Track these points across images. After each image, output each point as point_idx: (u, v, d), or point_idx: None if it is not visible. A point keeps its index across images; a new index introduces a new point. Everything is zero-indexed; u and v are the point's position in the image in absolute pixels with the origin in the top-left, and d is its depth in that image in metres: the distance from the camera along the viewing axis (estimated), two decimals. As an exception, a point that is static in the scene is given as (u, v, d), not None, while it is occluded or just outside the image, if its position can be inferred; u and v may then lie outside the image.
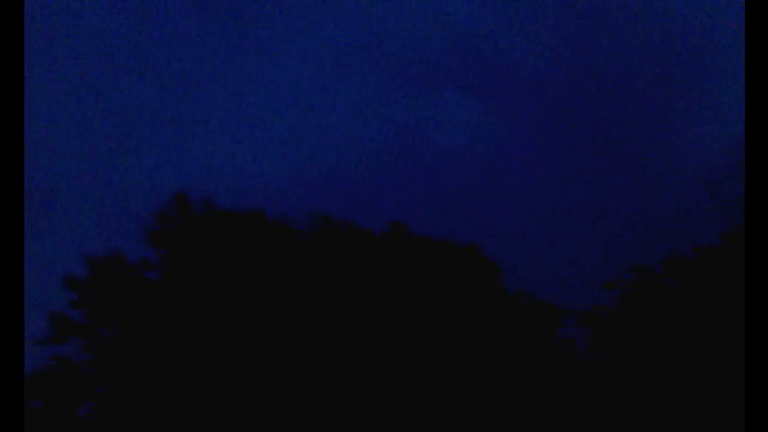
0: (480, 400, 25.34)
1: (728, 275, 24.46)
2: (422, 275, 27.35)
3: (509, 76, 66.59)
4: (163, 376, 27.78)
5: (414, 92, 68.97)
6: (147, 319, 28.62)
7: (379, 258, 27.64)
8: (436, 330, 26.10)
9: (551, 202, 53.29)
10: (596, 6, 63.08)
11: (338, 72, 69.71)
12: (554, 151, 60.64)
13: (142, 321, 28.64)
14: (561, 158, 59.72)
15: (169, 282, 28.95)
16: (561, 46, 63.20)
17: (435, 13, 67.01)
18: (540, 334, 28.28)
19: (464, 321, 26.50)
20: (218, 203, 30.16)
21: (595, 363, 27.57)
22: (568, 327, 28.94)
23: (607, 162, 56.52)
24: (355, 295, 26.47)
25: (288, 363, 25.91)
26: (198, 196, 29.82)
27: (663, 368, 24.61)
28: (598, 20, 62.68)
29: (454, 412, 25.13)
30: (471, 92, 67.69)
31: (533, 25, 63.55)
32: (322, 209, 30.82)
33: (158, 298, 28.88)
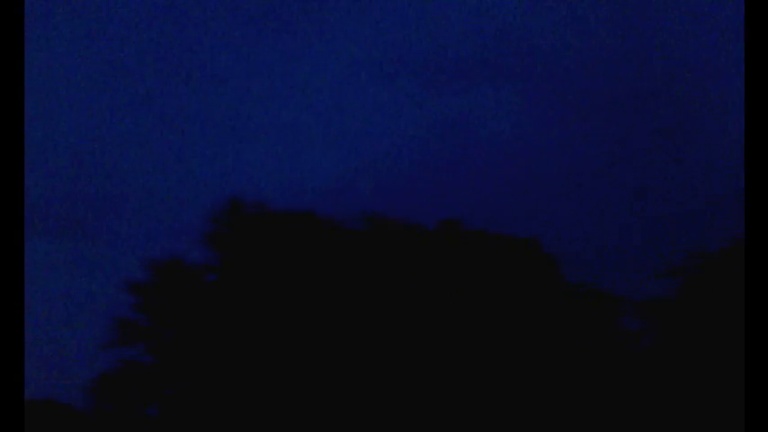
0: (543, 393, 25.25)
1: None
2: (479, 270, 27.29)
3: (551, 66, 65.77)
4: (224, 376, 28.47)
5: (456, 85, 68.74)
6: (207, 320, 29.39)
7: (433, 255, 27.72)
8: (498, 326, 26.05)
9: (602, 190, 52.48)
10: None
11: (378, 70, 70.03)
12: (599, 138, 59.68)
13: (203, 323, 29.41)
14: (608, 145, 58.76)
15: (227, 283, 29.62)
16: (604, 34, 62.07)
17: (474, 5, 66.62)
18: (602, 325, 27.97)
19: (526, 315, 26.39)
20: (269, 206, 30.72)
21: (657, 354, 27.15)
22: (629, 317, 28.55)
23: (654, 147, 55.35)
24: (412, 294, 26.63)
25: (347, 363, 26.20)
26: (250, 199, 30.45)
27: (731, 360, 24.05)
28: (640, 6, 61.41)
29: (518, 405, 25.11)
30: (513, 83, 67.11)
31: (575, 14, 62.56)
32: (371, 207, 31.09)
33: (218, 300, 29.60)
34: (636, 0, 61.07)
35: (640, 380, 26.14)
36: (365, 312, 26.62)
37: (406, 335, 26.26)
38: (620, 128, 59.26)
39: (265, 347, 27.95)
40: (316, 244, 29.40)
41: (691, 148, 52.84)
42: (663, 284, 28.41)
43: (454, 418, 25.32)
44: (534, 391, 25.33)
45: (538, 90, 67.32)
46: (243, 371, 28.07)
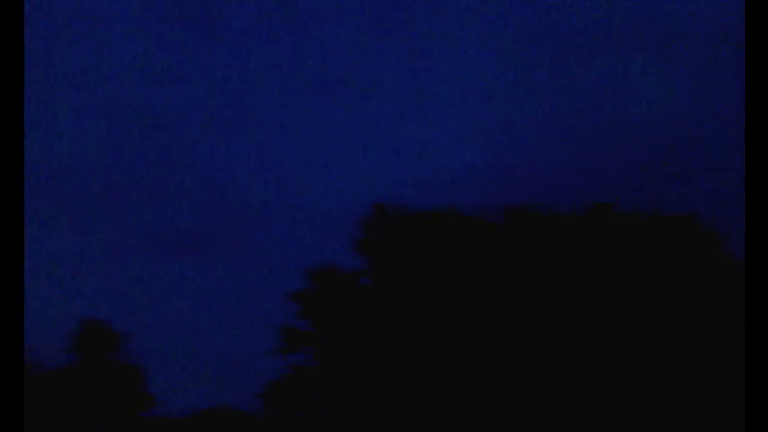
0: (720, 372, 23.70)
1: None
2: (640, 253, 26.05)
3: (694, 35, 61.48)
4: (387, 377, 29.09)
5: (593, 63, 65.99)
6: (365, 323, 30.21)
7: (589, 241, 26.80)
8: (666, 310, 24.76)
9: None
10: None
11: (511, 57, 68.51)
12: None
13: (362, 326, 30.27)
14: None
15: (381, 287, 30.27)
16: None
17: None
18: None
19: (696, 296, 24.92)
20: (413, 205, 31.06)
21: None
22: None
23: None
24: (573, 284, 25.85)
25: (511, 363, 25.82)
26: (393, 202, 30.99)
27: None
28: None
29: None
30: (653, 56, 63.38)
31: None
32: (517, 198, 30.58)
33: (373, 303, 30.34)
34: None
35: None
36: (524, 309, 26.10)
37: (577, 329, 25.50)
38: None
39: (422, 347, 28.26)
40: (462, 241, 29.33)
41: None
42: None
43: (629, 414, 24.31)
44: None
45: (688, 64, 63.13)
46: (404, 371, 28.55)
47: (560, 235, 27.30)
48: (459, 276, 27.96)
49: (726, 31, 58.19)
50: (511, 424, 25.28)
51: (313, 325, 30.46)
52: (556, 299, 25.94)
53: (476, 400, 26.41)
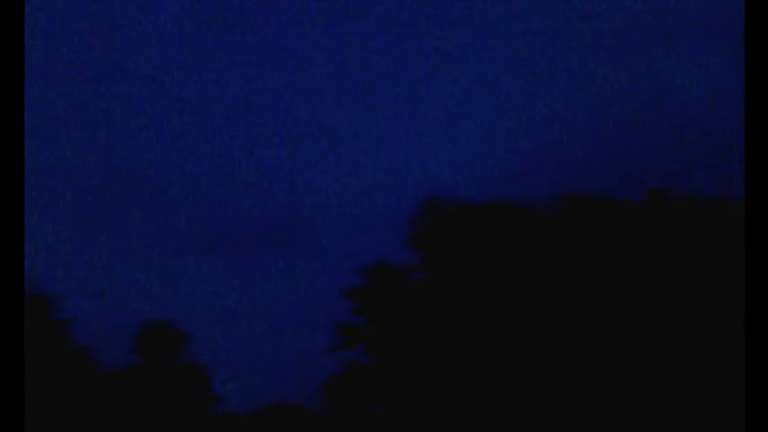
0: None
1: None
2: (702, 237, 25.21)
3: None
4: (442, 372, 29.03)
5: (639, 49, 64.31)
6: (420, 318, 30.24)
7: (647, 228, 26.12)
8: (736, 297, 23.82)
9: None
10: None
11: (555, 46, 67.47)
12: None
13: (416, 321, 30.31)
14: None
15: (434, 282, 30.25)
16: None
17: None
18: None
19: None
20: (466, 199, 30.87)
21: None
22: None
23: None
24: (637, 274, 25.17)
25: (572, 361, 25.32)
26: (444, 196, 30.84)
27: None
28: None
29: None
30: (704, 41, 61.27)
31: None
32: (569, 187, 30.07)
33: (427, 298, 30.35)
34: None
35: None
36: (586, 303, 25.53)
37: (646, 321, 24.80)
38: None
39: (478, 342, 28.11)
40: (517, 233, 29.01)
41: None
42: None
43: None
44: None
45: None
46: (460, 366, 28.44)
47: (620, 223, 26.66)
48: (516, 270, 27.65)
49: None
50: (569, 418, 24.86)
51: (368, 321, 30.67)
52: (619, 291, 25.34)
53: (533, 396, 26.09)
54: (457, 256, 29.25)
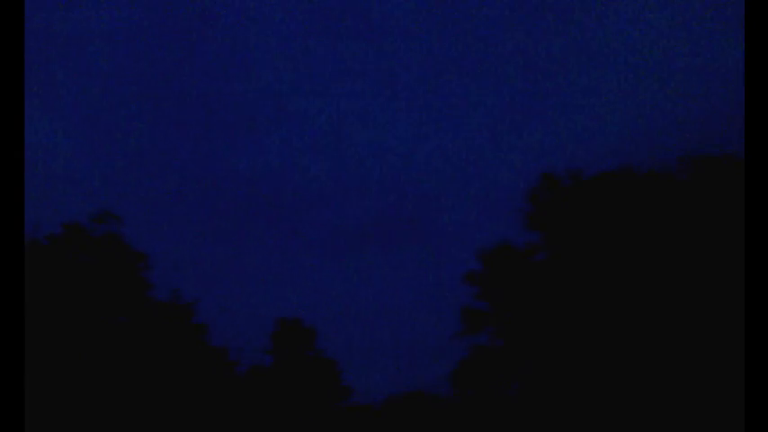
0: None
1: None
2: None
3: None
4: (571, 353, 28.23)
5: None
6: (543, 299, 29.52)
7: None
8: None
9: None
10: None
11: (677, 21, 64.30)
12: None
13: (540, 302, 29.63)
14: None
15: (557, 261, 29.42)
16: None
17: None
18: None
19: None
20: (583, 170, 29.79)
21: None
22: None
23: None
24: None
25: (707, 339, 23.92)
26: (562, 171, 29.84)
27: None
28: None
29: None
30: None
31: None
32: (696, 150, 28.36)
33: (549, 278, 29.57)
34: None
35: None
36: (718, 275, 24.00)
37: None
38: None
39: (605, 319, 27.10)
40: (640, 201, 27.68)
41: None
42: None
43: None
44: None
45: None
46: (588, 344, 27.57)
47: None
48: (640, 239, 26.38)
49: None
50: (711, 400, 23.45)
51: (492, 305, 30.32)
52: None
53: (665, 375, 24.81)
54: (577, 231, 28.27)
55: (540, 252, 30.53)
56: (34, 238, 28.88)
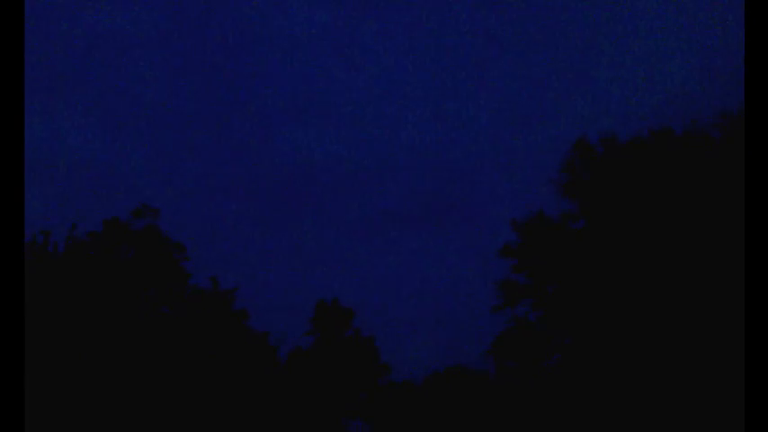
0: None
1: None
2: None
3: None
4: (610, 323, 27.88)
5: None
6: (580, 268, 29.18)
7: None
8: None
9: None
10: None
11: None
12: None
13: (577, 271, 29.30)
14: None
15: (595, 229, 29.05)
16: None
17: None
18: None
19: None
20: (620, 135, 29.22)
21: None
22: None
23: None
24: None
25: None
26: (597, 136, 29.23)
27: None
28: None
29: None
30: None
31: None
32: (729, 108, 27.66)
33: (587, 246, 29.20)
34: None
35: None
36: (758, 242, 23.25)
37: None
38: None
39: (644, 286, 26.70)
40: (679, 164, 27.15)
41: None
42: None
43: None
44: None
45: None
46: (625, 314, 27.20)
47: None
48: (679, 203, 25.90)
49: None
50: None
51: (530, 276, 30.07)
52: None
53: (707, 348, 24.32)
54: (614, 197, 27.83)
55: (576, 221, 30.16)
56: (72, 237, 29.40)
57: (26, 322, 9.69)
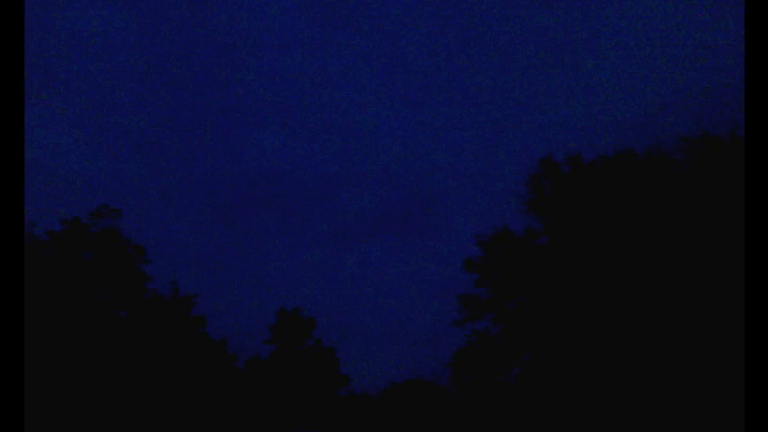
0: None
1: None
2: None
3: None
4: (572, 338, 28.09)
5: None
6: (542, 284, 29.33)
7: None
8: None
9: None
10: None
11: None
12: None
13: (540, 286, 29.45)
14: None
15: (557, 245, 29.26)
16: None
17: None
18: None
19: None
20: (584, 154, 29.58)
21: None
22: None
23: None
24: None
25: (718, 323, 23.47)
26: (563, 153, 29.56)
27: None
28: None
29: None
30: None
31: None
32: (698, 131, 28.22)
33: (549, 263, 29.39)
34: None
35: None
36: (726, 258, 23.61)
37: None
38: None
39: (607, 303, 26.97)
40: (642, 183, 27.56)
41: None
42: None
43: None
44: None
45: None
46: (590, 329, 27.44)
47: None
48: (643, 221, 26.25)
49: None
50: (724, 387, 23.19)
51: (491, 291, 30.18)
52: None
53: (665, 362, 24.60)
54: (578, 215, 28.10)
55: (540, 237, 30.37)
56: (32, 235, 28.65)
57: None
